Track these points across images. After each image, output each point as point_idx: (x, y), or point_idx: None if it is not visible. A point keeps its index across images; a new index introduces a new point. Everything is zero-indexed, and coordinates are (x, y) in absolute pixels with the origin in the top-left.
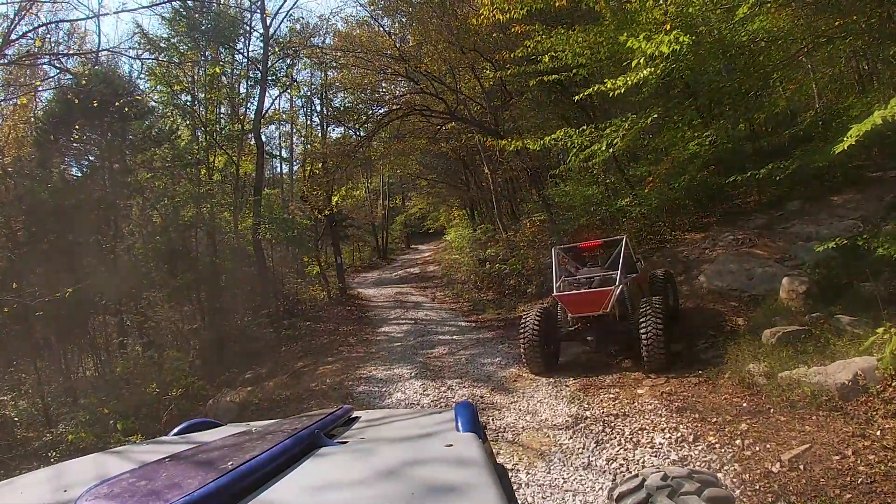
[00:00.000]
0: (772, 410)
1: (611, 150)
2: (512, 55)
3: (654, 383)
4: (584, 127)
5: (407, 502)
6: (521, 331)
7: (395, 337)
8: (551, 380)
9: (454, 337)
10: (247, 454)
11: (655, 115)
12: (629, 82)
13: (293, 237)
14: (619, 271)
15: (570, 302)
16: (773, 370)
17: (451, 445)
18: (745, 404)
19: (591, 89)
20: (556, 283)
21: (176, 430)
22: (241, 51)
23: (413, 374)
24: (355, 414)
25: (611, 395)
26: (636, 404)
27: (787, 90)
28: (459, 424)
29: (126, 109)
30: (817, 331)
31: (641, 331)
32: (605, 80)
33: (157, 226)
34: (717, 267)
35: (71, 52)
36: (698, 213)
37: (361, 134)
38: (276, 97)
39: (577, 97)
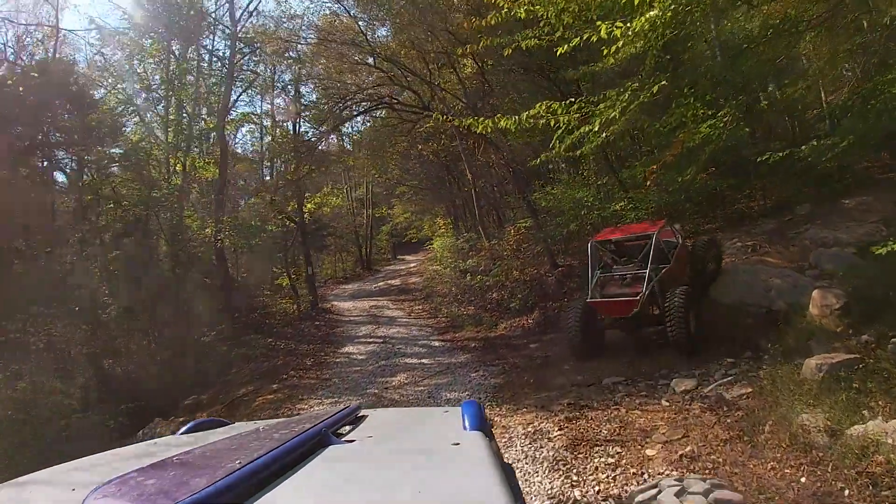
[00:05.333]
0: (847, 493)
1: (605, 133)
2: (484, 22)
3: (668, 438)
4: (573, 100)
5: (414, 500)
6: (566, 328)
7: (355, 359)
8: (529, 430)
9: (422, 360)
10: (255, 453)
11: (664, 83)
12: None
13: (256, 245)
14: (648, 270)
15: (602, 308)
16: (838, 424)
17: (457, 444)
18: (804, 479)
19: (584, 69)
20: (592, 281)
21: (183, 429)
22: (206, 46)
23: None
24: (363, 412)
25: (610, 459)
26: (645, 475)
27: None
28: (466, 423)
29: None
30: (872, 360)
31: (668, 323)
32: (602, 49)
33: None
34: (727, 277)
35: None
36: (699, 219)
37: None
38: (240, 93)
39: (568, 76)
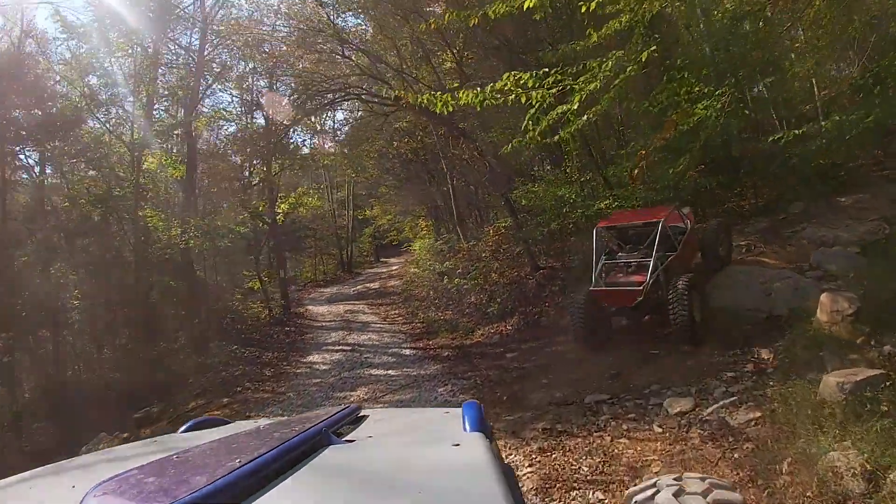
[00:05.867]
0: None
1: (586, 115)
2: None
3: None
4: (547, 70)
5: (414, 501)
6: (570, 316)
7: (318, 370)
8: None
9: (389, 372)
10: (255, 452)
11: (653, 48)
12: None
13: (226, 247)
14: (653, 259)
15: (604, 297)
16: (875, 464)
17: (458, 445)
18: None
19: (563, 48)
20: (596, 268)
21: (184, 428)
22: (176, 41)
23: None
24: (363, 412)
25: None
26: None
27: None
28: (467, 424)
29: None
30: None
31: (671, 310)
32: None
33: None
34: (721, 279)
35: None
36: None
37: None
38: (208, 85)
39: (546, 59)
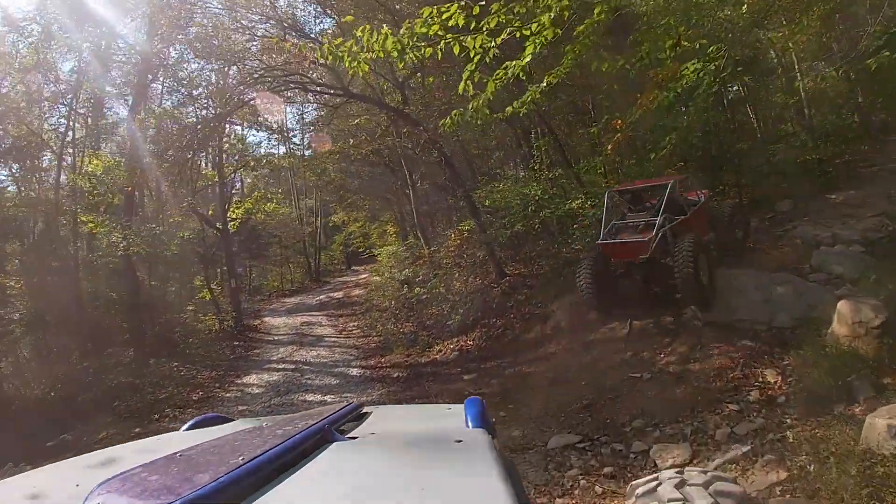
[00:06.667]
0: None
1: (546, 80)
2: None
3: None
4: (484, 4)
5: (416, 498)
6: (577, 276)
7: (249, 394)
8: None
9: (325, 398)
10: (258, 449)
11: None
12: None
13: (174, 256)
14: (659, 218)
15: (611, 250)
16: None
17: (460, 441)
18: None
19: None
20: (605, 227)
21: (187, 425)
22: (125, 37)
23: None
24: (366, 409)
25: None
26: None
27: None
28: (469, 420)
29: None
30: None
31: (675, 272)
32: None
33: None
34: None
35: None
36: None
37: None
38: (151, 79)
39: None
